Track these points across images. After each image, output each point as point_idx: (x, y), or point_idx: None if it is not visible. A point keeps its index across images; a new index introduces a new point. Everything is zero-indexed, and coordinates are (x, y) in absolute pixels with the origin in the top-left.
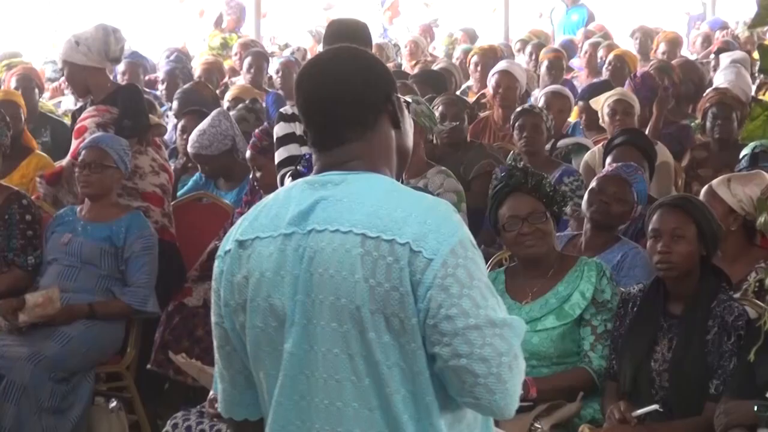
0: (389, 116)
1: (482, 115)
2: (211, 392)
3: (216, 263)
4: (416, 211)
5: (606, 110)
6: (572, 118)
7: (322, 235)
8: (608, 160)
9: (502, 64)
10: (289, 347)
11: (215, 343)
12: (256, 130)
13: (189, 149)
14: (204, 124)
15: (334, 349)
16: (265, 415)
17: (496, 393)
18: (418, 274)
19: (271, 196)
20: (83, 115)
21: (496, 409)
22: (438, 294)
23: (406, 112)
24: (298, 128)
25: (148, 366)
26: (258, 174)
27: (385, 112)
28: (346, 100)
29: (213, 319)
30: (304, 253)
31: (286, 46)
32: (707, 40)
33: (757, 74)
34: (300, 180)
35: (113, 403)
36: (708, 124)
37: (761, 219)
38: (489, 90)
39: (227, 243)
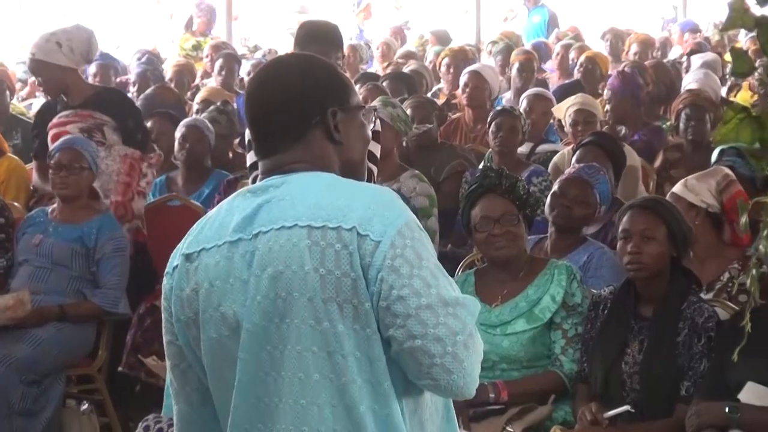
0: (323, 130)
1: (453, 116)
2: None
3: (165, 280)
4: (359, 199)
5: (568, 120)
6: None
7: (268, 235)
8: (573, 160)
9: (474, 66)
10: (240, 353)
11: (169, 363)
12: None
13: (194, 123)
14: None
15: (289, 346)
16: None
17: (454, 372)
18: (368, 257)
19: (215, 209)
20: (60, 120)
21: (456, 389)
22: (389, 275)
23: (358, 122)
24: None
25: (120, 368)
26: None
27: (317, 127)
28: (277, 110)
29: (165, 337)
30: (252, 257)
31: (256, 48)
32: (663, 48)
33: (728, 76)
34: (242, 189)
35: (85, 406)
36: (681, 125)
37: (742, 220)
38: (460, 91)
39: (174, 259)
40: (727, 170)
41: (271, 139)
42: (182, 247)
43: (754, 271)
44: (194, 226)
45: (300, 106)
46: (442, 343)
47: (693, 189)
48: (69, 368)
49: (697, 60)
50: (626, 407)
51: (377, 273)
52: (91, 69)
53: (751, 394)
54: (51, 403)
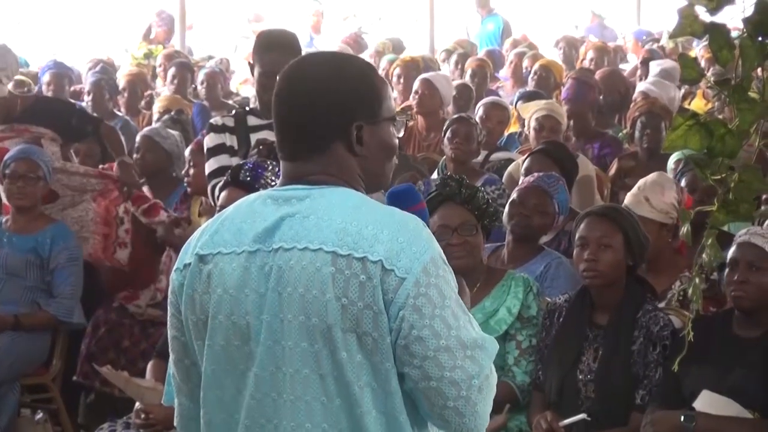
0: (345, 143)
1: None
2: (138, 403)
3: (174, 276)
4: (387, 228)
5: (533, 123)
6: (511, 129)
7: (291, 253)
8: (522, 169)
9: (426, 74)
10: (255, 368)
11: (173, 357)
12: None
13: (145, 131)
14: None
15: (304, 370)
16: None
17: (466, 416)
18: (391, 293)
19: (231, 208)
20: None
21: (466, 431)
22: (410, 314)
23: (381, 134)
24: (228, 139)
25: (75, 377)
26: (192, 171)
27: (339, 139)
28: (302, 117)
29: (171, 333)
30: (271, 271)
31: (210, 57)
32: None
33: (680, 84)
34: (263, 192)
35: (39, 415)
36: (637, 133)
37: (684, 230)
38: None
39: (186, 256)
40: (671, 177)
41: (295, 145)
42: (195, 244)
43: (697, 280)
44: (208, 223)
45: (325, 118)
46: (457, 386)
47: (661, 208)
48: (23, 377)
49: (654, 67)
50: (582, 416)
51: (398, 311)
52: (45, 78)
53: (706, 402)
54: (5, 413)
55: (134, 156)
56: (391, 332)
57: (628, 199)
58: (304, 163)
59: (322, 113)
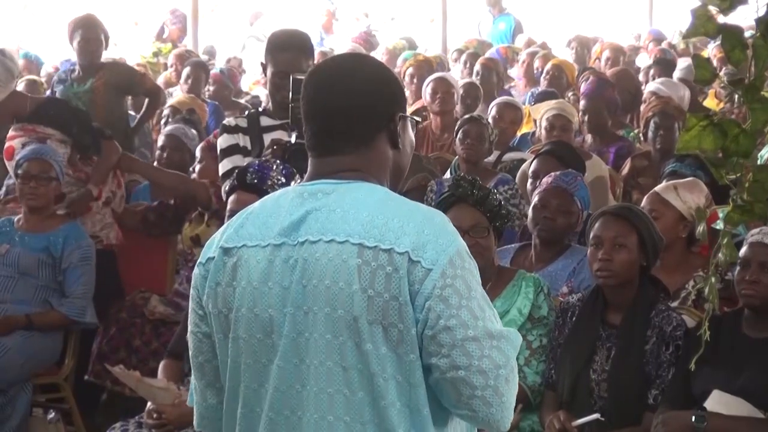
0: (388, 136)
1: (420, 125)
2: (150, 403)
3: (196, 270)
4: (413, 221)
5: (544, 123)
6: (524, 129)
7: (316, 246)
8: (530, 170)
9: (437, 74)
10: (278, 361)
11: (190, 353)
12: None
13: (169, 128)
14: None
15: (328, 362)
16: (231, 429)
17: (493, 406)
18: (417, 284)
19: (258, 203)
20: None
21: (493, 422)
22: (437, 304)
23: (409, 130)
24: (241, 139)
25: (86, 377)
26: (198, 166)
27: (384, 131)
28: (345, 113)
29: (189, 327)
30: (296, 264)
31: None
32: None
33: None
34: (288, 188)
35: (51, 414)
36: (650, 133)
37: (699, 228)
38: (425, 100)
39: (210, 250)
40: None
41: (335, 139)
42: (220, 238)
43: (713, 279)
44: (235, 218)
45: (373, 109)
46: (485, 375)
47: (686, 200)
48: (36, 377)
49: (682, 63)
50: (596, 415)
51: (425, 301)
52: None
53: (717, 402)
54: (18, 412)
55: (158, 153)
56: (417, 323)
57: (659, 187)
58: (341, 158)
59: (369, 105)
